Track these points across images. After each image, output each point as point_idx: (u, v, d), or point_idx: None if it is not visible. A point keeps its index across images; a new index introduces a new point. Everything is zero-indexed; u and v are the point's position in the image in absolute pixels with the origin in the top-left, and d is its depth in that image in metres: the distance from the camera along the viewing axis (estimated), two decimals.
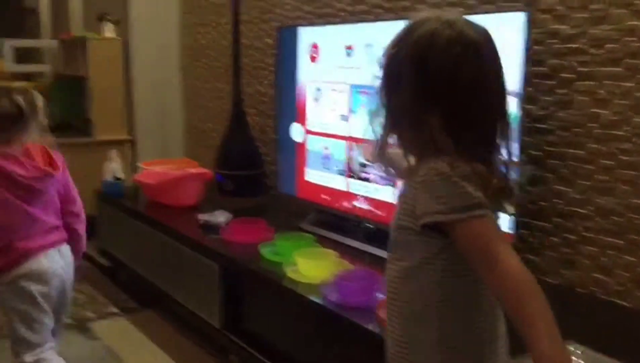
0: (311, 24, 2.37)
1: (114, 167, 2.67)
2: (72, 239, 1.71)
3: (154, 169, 2.64)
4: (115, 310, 2.42)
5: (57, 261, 1.62)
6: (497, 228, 0.88)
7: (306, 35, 2.12)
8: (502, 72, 0.90)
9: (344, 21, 2.22)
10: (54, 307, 1.63)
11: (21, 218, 1.58)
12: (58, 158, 1.70)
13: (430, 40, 0.86)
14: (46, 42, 3.90)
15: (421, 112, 0.86)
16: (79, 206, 1.76)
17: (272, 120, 2.61)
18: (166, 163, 2.87)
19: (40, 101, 1.68)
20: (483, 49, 0.87)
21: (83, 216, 1.78)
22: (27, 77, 4.21)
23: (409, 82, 0.87)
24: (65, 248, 1.68)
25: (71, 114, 3.54)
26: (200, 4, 3.14)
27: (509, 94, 0.92)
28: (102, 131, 3.21)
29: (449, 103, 0.86)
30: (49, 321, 1.61)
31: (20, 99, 1.61)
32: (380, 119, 0.92)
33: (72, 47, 3.43)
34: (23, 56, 3.92)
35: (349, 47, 1.93)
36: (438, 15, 0.88)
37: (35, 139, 1.63)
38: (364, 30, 1.92)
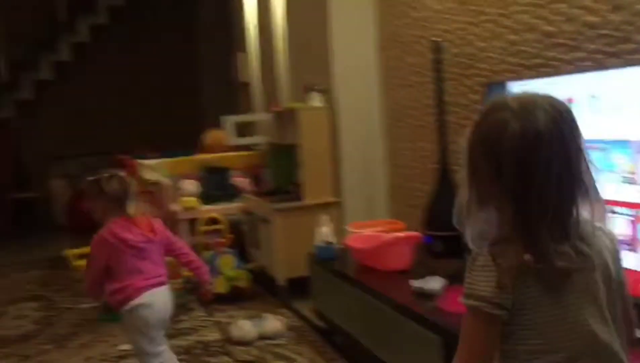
0: (520, 77, 2.26)
1: (325, 231, 2.77)
2: (192, 269, 2.41)
3: (362, 233, 2.68)
4: None
5: (158, 296, 2.20)
6: (485, 328, 0.95)
7: (517, 90, 2.01)
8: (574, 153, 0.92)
9: (558, 72, 2.08)
10: (159, 326, 2.22)
11: (133, 268, 2.16)
12: (158, 225, 2.30)
13: (498, 133, 0.92)
14: (260, 116, 4.25)
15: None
16: (183, 248, 2.39)
17: None
18: (373, 225, 2.91)
19: (131, 181, 2.37)
20: (546, 139, 0.90)
21: (190, 252, 2.40)
22: (245, 148, 4.64)
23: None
24: (165, 288, 2.26)
25: (285, 179, 3.79)
26: (400, 66, 3.18)
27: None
28: (312, 194, 3.36)
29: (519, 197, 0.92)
30: (156, 334, 2.20)
31: (126, 181, 2.28)
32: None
33: (283, 118, 3.69)
34: (240, 127, 4.33)
35: (569, 100, 1.78)
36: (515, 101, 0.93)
37: (137, 213, 2.27)
38: (584, 80, 1.77)
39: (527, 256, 0.90)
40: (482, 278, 0.93)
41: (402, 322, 2.05)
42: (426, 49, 2.90)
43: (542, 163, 0.90)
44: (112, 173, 2.32)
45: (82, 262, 3.34)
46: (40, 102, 7.14)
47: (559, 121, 0.91)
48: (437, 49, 2.54)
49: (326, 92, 3.37)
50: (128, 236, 2.17)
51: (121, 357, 2.80)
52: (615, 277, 0.98)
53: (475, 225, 1.00)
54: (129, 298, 2.13)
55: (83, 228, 6.30)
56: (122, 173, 2.36)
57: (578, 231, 0.94)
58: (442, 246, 2.51)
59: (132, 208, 2.27)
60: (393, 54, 3.23)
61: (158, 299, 2.19)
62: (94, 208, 2.26)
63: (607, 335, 0.94)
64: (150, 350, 2.18)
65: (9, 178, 6.56)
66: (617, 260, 0.99)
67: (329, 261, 2.74)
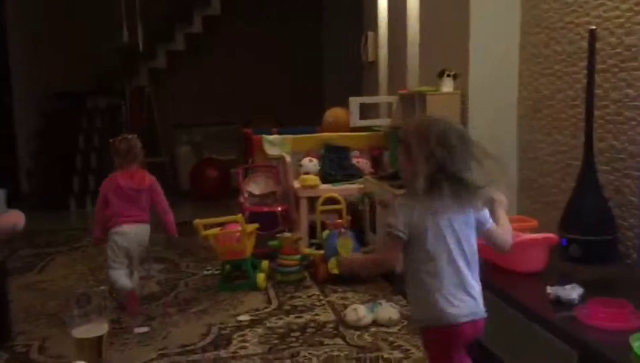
0: None
1: None
2: (161, 217, 3.21)
3: None
4: None
5: (132, 229, 3.06)
6: (393, 241, 1.63)
7: None
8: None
9: None
10: (127, 252, 3.08)
11: (123, 207, 3.05)
12: (150, 178, 3.15)
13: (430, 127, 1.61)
14: (386, 98, 4.17)
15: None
16: (162, 202, 3.20)
17: (631, 180, 2.29)
18: None
19: (139, 144, 3.16)
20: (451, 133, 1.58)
21: (166, 206, 3.22)
22: (367, 129, 4.59)
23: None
24: (141, 226, 3.09)
25: None
26: (543, 53, 2.97)
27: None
28: None
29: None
30: (122, 258, 3.08)
31: (132, 142, 3.12)
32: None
33: (410, 101, 3.59)
34: (363, 108, 4.27)
35: None
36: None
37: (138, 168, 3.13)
38: None
39: (427, 201, 1.58)
40: (398, 213, 1.62)
41: (533, 330, 1.92)
42: (577, 37, 2.68)
43: (452, 146, 1.56)
44: (124, 136, 3.19)
45: (210, 232, 3.48)
46: (171, 72, 7.49)
47: (461, 128, 1.65)
48: (592, 37, 2.33)
49: (459, 76, 3.22)
50: (122, 183, 3.05)
51: (239, 328, 2.87)
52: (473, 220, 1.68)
53: (409, 183, 1.65)
54: (113, 226, 3.04)
55: (205, 194, 6.63)
56: (131, 136, 3.20)
57: (463, 187, 1.58)
58: (580, 251, 2.34)
59: (134, 163, 3.11)
60: (537, 39, 3.02)
61: (131, 231, 3.05)
62: (113, 160, 3.14)
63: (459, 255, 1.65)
64: (112, 264, 3.06)
65: (141, 143, 6.95)
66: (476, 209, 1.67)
67: None
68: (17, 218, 2.84)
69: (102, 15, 7.09)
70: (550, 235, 2.32)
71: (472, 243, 1.67)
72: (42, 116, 6.80)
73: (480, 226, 1.70)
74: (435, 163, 1.54)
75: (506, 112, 3.22)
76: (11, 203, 3.04)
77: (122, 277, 3.06)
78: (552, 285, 2.02)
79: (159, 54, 7.35)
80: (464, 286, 1.64)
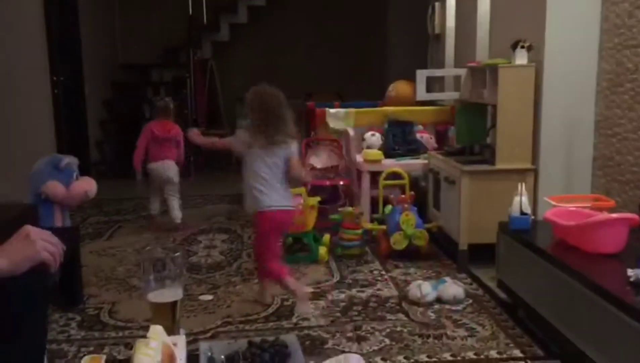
0: None
1: (522, 201, 2.57)
2: (178, 157, 4.31)
3: (566, 207, 2.45)
4: (519, 354, 2.29)
5: (160, 165, 4.21)
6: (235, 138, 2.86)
7: None
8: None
9: None
10: (159, 181, 4.27)
11: (154, 149, 4.21)
12: (176, 128, 4.29)
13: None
14: (454, 71, 4.05)
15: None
16: (180, 144, 4.30)
17: None
18: (576, 199, 2.65)
19: (172, 104, 4.40)
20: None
21: (182, 148, 4.33)
22: (431, 103, 4.48)
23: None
24: (168, 161, 4.23)
25: (472, 139, 3.60)
26: (628, 24, 2.80)
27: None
28: (506, 159, 3.15)
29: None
30: (154, 188, 4.34)
31: (167, 103, 4.38)
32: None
33: (479, 74, 3.47)
34: (428, 81, 4.16)
35: None
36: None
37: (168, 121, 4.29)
38: None
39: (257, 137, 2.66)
40: (242, 134, 2.76)
41: (611, 313, 1.83)
42: None
43: (271, 106, 2.68)
44: (163, 98, 4.90)
45: None
46: (234, 45, 7.53)
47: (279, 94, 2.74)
48: None
49: (534, 49, 3.08)
50: (155, 130, 4.20)
51: None
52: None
53: (253, 128, 2.70)
54: (149, 162, 4.21)
55: None
56: (168, 99, 4.55)
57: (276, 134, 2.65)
58: None
59: (167, 117, 4.28)
60: (620, 9, 2.84)
61: (157, 167, 4.21)
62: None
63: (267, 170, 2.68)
64: (151, 194, 4.36)
65: (204, 115, 7.05)
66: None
67: (523, 233, 2.55)
68: (89, 185, 2.92)
69: None
70: (630, 214, 2.20)
71: (278, 164, 2.68)
72: (110, 87, 6.98)
73: (285, 157, 2.69)
74: (261, 118, 2.66)
75: (584, 86, 3.06)
76: (82, 171, 3.13)
77: (153, 203, 4.33)
78: (632, 268, 1.92)
79: (222, 26, 7.39)
80: (271, 186, 2.67)
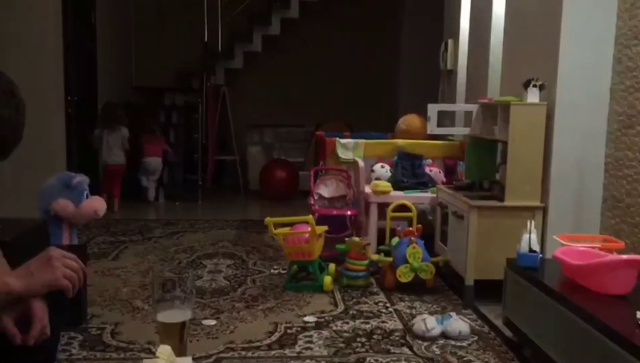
0: None
1: (531, 238, 2.56)
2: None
3: (575, 247, 2.44)
4: None
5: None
6: None
7: None
8: None
9: None
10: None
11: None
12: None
13: None
14: (465, 107, 4.08)
15: None
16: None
17: None
18: (585, 239, 2.64)
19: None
20: None
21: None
22: (440, 137, 4.50)
23: None
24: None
25: (481, 175, 3.60)
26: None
27: None
28: (515, 195, 3.14)
29: None
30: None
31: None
32: None
33: (490, 111, 3.49)
34: (439, 116, 4.19)
35: None
36: None
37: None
38: None
39: None
40: None
41: (619, 355, 1.81)
42: None
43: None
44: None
45: (280, 231, 3.49)
46: (247, 73, 7.62)
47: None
48: None
49: (546, 88, 3.10)
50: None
51: (305, 328, 2.86)
52: None
53: None
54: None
55: (273, 195, 6.71)
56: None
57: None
58: None
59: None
60: (634, 52, 2.87)
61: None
62: None
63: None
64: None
65: (214, 140, 7.10)
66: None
67: (531, 270, 2.53)
68: (99, 204, 2.94)
69: (186, 15, 7.31)
70: (637, 257, 2.19)
71: None
72: (106, 111, 7.03)
73: None
74: None
75: (595, 126, 3.07)
76: (91, 191, 3.15)
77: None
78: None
79: (236, 54, 7.49)
80: None
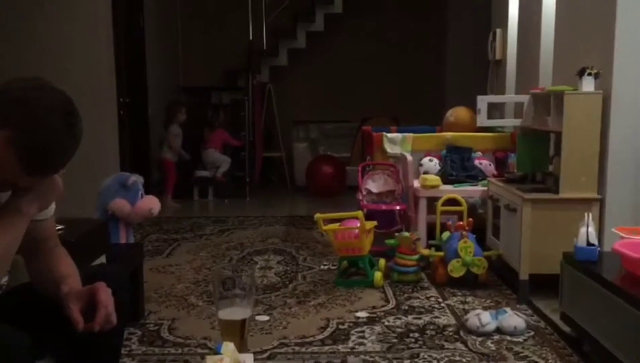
0: None
1: (589, 231, 2.49)
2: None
3: (636, 239, 2.36)
4: None
5: None
6: None
7: None
8: None
9: None
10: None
11: None
12: None
13: None
14: (516, 98, 4.00)
15: None
16: None
17: None
18: None
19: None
20: None
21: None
22: (489, 129, 4.43)
23: None
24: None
25: (534, 167, 3.53)
26: None
27: None
28: (570, 187, 3.07)
29: None
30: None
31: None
32: None
33: (543, 101, 3.41)
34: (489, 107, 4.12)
35: None
36: None
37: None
38: None
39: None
40: None
41: None
42: None
43: None
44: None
45: (329, 227, 3.51)
46: (292, 70, 7.65)
47: None
48: None
49: (601, 76, 3.01)
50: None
51: (357, 324, 2.87)
52: None
53: None
54: None
55: (320, 191, 6.74)
56: None
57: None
58: None
59: None
60: None
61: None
62: None
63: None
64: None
65: (261, 137, 7.17)
66: None
67: (590, 264, 2.47)
68: (153, 203, 3.01)
69: (230, 14, 7.40)
70: None
71: None
72: (167, 109, 7.18)
73: None
74: None
75: None
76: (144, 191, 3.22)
77: None
78: None
79: (281, 51, 7.54)
80: None
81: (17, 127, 1.22)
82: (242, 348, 1.28)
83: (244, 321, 1.33)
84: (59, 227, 1.86)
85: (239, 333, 1.30)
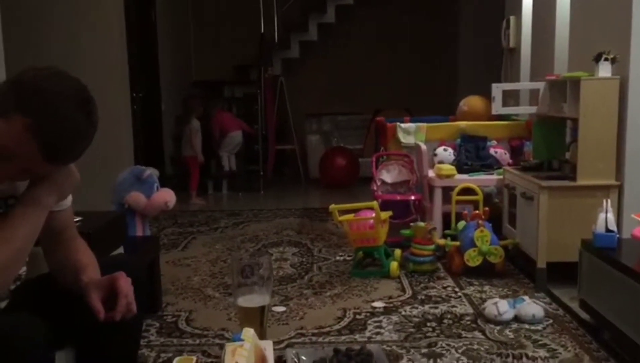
0: None
1: (607, 217, 2.47)
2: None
3: None
4: None
5: None
6: None
7: None
8: None
9: None
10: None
11: None
12: None
13: None
14: (532, 85, 3.96)
15: None
16: None
17: None
18: None
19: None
20: None
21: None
22: (504, 117, 4.39)
23: None
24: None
25: (550, 154, 3.49)
26: None
27: None
28: (588, 174, 3.03)
29: None
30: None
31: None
32: None
33: (558, 88, 3.37)
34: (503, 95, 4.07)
35: None
36: None
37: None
38: None
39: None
40: None
41: None
42: None
43: None
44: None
45: (345, 217, 3.50)
46: (304, 62, 7.63)
47: None
48: None
49: (618, 61, 2.97)
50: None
51: (373, 314, 2.86)
52: None
53: None
54: None
55: (333, 182, 6.73)
56: None
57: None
58: None
59: None
60: None
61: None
62: None
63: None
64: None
65: (274, 130, 7.16)
66: None
67: (609, 251, 2.44)
68: (169, 196, 3.01)
69: (241, 8, 7.39)
70: None
71: None
72: (183, 103, 7.20)
73: None
74: None
75: None
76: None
77: None
78: None
79: (292, 44, 7.52)
80: None
81: (36, 115, 1.22)
82: (261, 335, 1.28)
83: (262, 308, 1.33)
84: (77, 219, 1.87)
85: (258, 320, 1.30)
